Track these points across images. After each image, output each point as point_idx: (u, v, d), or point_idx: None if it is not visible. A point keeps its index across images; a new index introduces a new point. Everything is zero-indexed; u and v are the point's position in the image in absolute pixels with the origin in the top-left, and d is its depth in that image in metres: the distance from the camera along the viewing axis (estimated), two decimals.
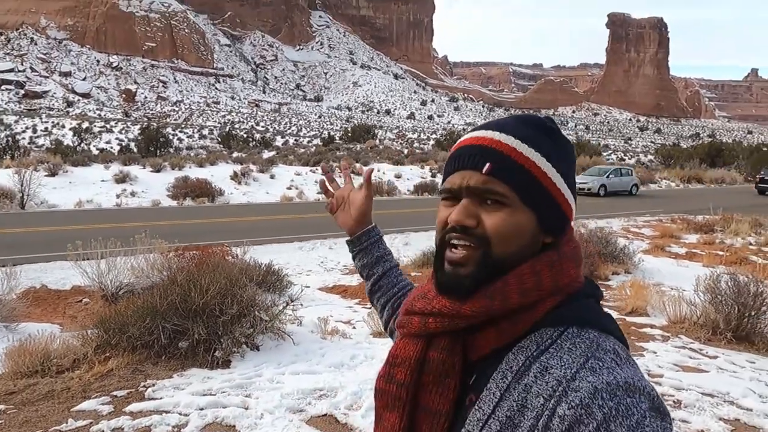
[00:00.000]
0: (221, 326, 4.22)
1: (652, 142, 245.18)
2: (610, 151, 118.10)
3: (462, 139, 0.95)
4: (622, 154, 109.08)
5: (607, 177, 26.95)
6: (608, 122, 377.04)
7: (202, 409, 3.40)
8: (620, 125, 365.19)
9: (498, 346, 0.86)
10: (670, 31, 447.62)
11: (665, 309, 6.11)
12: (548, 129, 0.93)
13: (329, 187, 1.39)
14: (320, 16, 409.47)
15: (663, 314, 6.13)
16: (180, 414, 3.35)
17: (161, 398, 3.58)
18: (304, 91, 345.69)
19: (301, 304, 5.50)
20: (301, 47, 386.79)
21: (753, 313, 5.28)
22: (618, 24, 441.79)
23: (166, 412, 3.38)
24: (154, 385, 3.81)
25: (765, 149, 45.26)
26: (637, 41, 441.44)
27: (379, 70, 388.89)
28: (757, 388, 4.16)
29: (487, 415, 0.83)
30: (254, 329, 4.40)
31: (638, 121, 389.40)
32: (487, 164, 0.87)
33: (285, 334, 4.68)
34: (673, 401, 3.86)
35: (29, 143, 67.89)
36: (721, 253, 11.17)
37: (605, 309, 0.89)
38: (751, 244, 12.78)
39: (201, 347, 4.22)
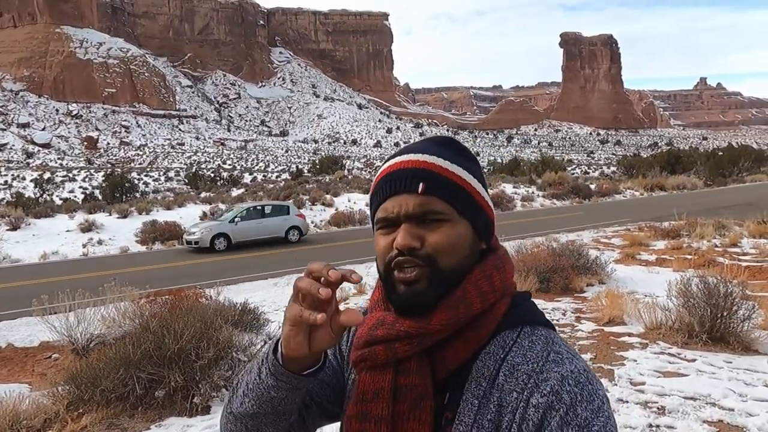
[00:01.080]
0: (198, 371, 4.11)
1: (613, 154, 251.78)
2: (574, 166, 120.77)
3: (383, 169, 0.97)
4: (586, 167, 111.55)
5: (234, 221, 18.44)
6: (570, 138, 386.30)
7: None
8: (581, 140, 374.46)
9: (466, 357, 0.89)
10: (620, 46, 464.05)
11: (641, 316, 6.19)
12: (458, 146, 0.99)
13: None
14: (280, 52, 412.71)
15: (639, 322, 6.20)
16: None
17: None
18: (269, 127, 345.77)
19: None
20: (264, 84, 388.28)
21: (725, 314, 5.38)
22: (570, 43, 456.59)
23: None
24: None
25: (720, 153, 46.87)
26: (590, 58, 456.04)
27: (342, 101, 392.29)
28: (736, 387, 4.22)
29: (470, 427, 0.85)
30: (233, 371, 4.29)
31: (598, 134, 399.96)
32: (421, 184, 0.90)
33: None
34: (657, 408, 3.88)
35: None
36: (689, 257, 11.42)
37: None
38: (716, 246, 13.10)
39: (179, 395, 4.10)
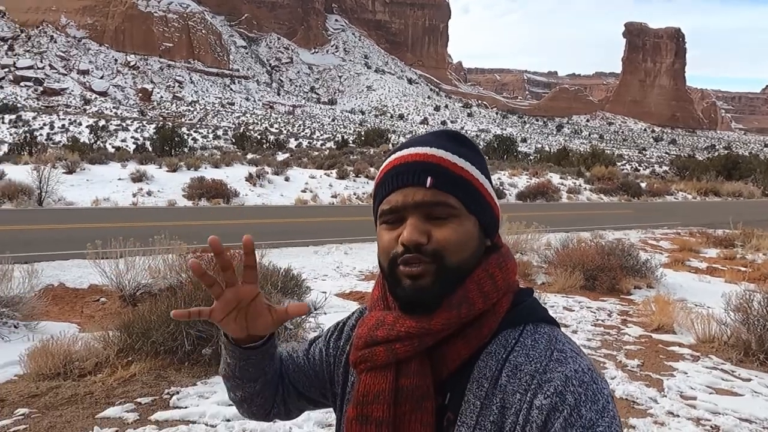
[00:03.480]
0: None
1: (666, 152, 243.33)
2: (624, 161, 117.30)
3: (389, 160, 0.94)
4: (637, 164, 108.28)
5: None
6: (623, 132, 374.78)
7: (229, 420, 3.33)
8: (635, 135, 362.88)
9: (467, 356, 0.88)
10: (687, 41, 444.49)
11: (693, 327, 5.97)
12: (464, 139, 0.96)
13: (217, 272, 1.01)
14: (336, 20, 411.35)
15: (691, 332, 5.98)
16: (207, 425, 3.29)
17: (186, 407, 3.52)
18: (318, 94, 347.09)
19: (324, 312, 5.44)
20: (317, 50, 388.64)
21: None
22: (635, 33, 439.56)
23: (193, 422, 3.32)
24: (178, 392, 3.75)
25: None
26: (653, 51, 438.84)
27: (393, 74, 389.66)
28: None
29: (472, 428, 0.83)
30: (278, 336, 4.34)
31: (653, 131, 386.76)
32: (429, 177, 0.88)
33: None
34: (711, 426, 3.74)
35: (47, 140, 68.65)
36: (743, 269, 10.97)
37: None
38: None
39: None
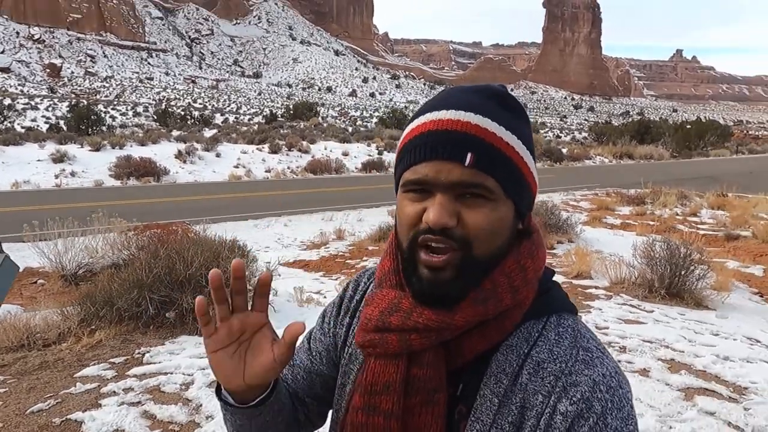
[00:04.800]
0: (208, 295, 4.43)
1: (585, 119, 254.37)
2: (547, 129, 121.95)
3: (423, 120, 0.80)
4: (559, 132, 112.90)
5: None
6: (545, 100, 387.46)
7: (203, 369, 3.64)
8: (556, 103, 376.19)
9: (486, 349, 0.80)
10: (602, 11, 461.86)
11: (607, 272, 6.75)
12: (514, 103, 0.82)
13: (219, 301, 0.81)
14: None
15: (605, 277, 6.77)
16: (184, 374, 3.59)
17: (160, 362, 3.79)
18: (242, 67, 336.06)
19: (279, 275, 5.75)
20: (238, 21, 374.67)
21: (683, 273, 5.96)
22: (554, 4, 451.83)
23: (170, 373, 3.61)
24: (149, 351, 4.01)
25: (688, 127, 48.15)
26: (572, 21, 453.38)
27: (319, 46, 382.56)
28: (686, 334, 4.80)
29: (488, 426, 0.77)
30: None
31: (573, 99, 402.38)
32: (469, 154, 0.75)
33: None
34: (619, 347, 4.42)
35: None
36: (651, 223, 12.11)
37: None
38: (678, 214, 13.87)
39: (189, 317, 4.43)
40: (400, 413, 0.79)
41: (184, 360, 3.79)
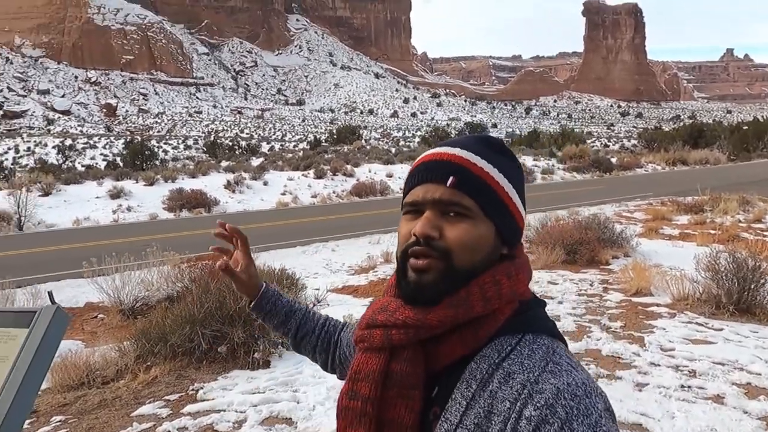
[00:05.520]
0: (257, 329, 4.45)
1: (634, 126, 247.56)
2: (594, 138, 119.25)
3: (423, 156, 0.99)
4: (606, 140, 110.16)
5: None
6: (590, 109, 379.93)
7: (256, 405, 3.62)
8: (602, 112, 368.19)
9: (461, 355, 0.89)
10: (645, 15, 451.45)
11: (669, 288, 6.42)
12: (502, 148, 0.98)
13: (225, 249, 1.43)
14: (297, 20, 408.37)
15: (667, 293, 6.43)
16: (236, 411, 3.58)
17: (214, 399, 3.80)
18: (285, 96, 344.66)
19: (328, 304, 5.74)
20: (280, 52, 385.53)
21: (752, 286, 5.60)
22: (593, 12, 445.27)
23: (223, 410, 3.60)
24: (202, 387, 4.03)
25: (745, 128, 46.10)
26: (613, 28, 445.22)
27: (359, 70, 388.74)
28: (762, 354, 4.46)
29: (455, 426, 0.84)
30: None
31: (619, 106, 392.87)
32: (451, 177, 0.90)
33: None
34: (688, 371, 4.15)
35: (13, 164, 67.21)
36: (713, 232, 11.53)
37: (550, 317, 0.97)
38: (740, 221, 13.17)
39: (240, 350, 4.45)
40: (376, 400, 0.89)
41: (237, 396, 3.78)
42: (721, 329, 5.20)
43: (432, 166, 0.94)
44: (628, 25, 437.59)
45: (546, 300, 1.07)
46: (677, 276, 6.52)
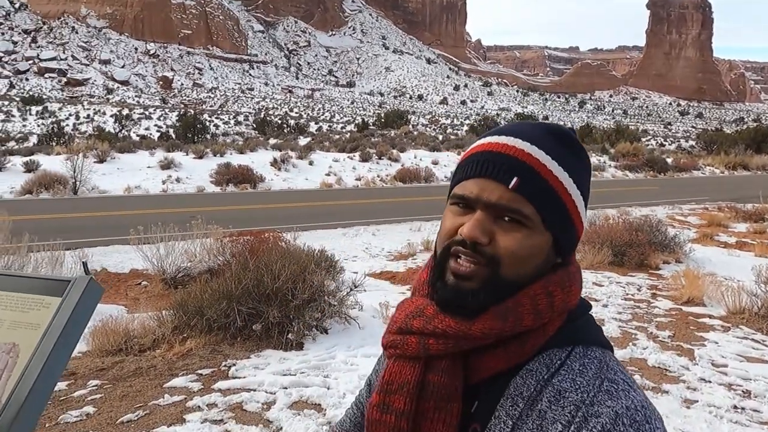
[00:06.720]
0: (293, 310, 4.42)
1: (693, 126, 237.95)
2: (649, 137, 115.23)
3: (481, 142, 0.86)
4: (663, 140, 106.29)
5: None
6: (647, 106, 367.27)
7: (286, 388, 3.60)
8: (660, 109, 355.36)
9: (504, 369, 0.81)
10: (714, 11, 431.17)
11: (723, 299, 6.08)
12: (575, 144, 0.86)
13: None
14: (353, 1, 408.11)
15: (721, 304, 6.10)
16: (266, 392, 3.56)
17: (245, 377, 3.79)
18: (336, 77, 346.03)
19: (365, 290, 5.69)
20: (334, 33, 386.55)
21: None
22: (659, 5, 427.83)
23: (253, 390, 3.59)
24: (234, 364, 4.03)
25: None
26: (678, 22, 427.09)
27: (411, 54, 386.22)
28: None
29: None
30: (323, 314, 4.58)
31: (679, 105, 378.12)
32: (515, 179, 0.79)
33: (350, 319, 4.87)
34: (742, 391, 3.90)
35: (73, 130, 69.89)
36: None
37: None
38: None
39: (275, 330, 4.43)
40: (411, 414, 0.81)
41: (268, 376, 3.76)
42: None
43: (492, 158, 0.81)
44: (694, 20, 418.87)
45: (591, 303, 0.92)
46: (733, 287, 6.17)
